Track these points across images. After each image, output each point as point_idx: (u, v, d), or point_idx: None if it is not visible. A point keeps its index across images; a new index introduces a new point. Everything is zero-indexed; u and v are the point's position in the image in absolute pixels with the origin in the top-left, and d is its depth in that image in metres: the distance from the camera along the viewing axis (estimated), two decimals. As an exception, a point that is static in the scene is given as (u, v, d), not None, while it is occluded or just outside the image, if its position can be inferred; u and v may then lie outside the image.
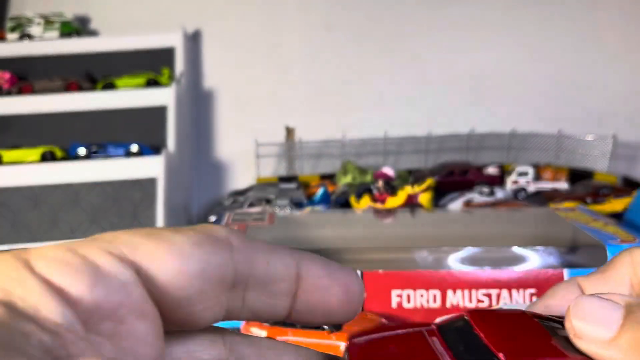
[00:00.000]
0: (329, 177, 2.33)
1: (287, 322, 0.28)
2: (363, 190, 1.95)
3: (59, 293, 0.19)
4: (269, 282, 0.27)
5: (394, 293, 1.32)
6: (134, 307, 0.21)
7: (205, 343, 0.24)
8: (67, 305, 0.19)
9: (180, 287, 0.24)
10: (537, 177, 2.16)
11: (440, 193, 2.12)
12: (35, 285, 0.18)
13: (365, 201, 1.86)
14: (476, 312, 0.49)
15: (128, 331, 0.20)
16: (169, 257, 0.23)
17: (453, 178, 2.15)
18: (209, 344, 0.24)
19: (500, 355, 0.33)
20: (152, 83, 2.27)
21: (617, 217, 1.67)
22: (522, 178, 2.13)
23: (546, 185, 2.14)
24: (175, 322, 0.24)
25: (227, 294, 0.26)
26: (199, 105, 2.55)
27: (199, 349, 0.24)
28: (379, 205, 1.83)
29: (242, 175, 2.47)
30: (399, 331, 0.40)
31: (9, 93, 2.25)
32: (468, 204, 1.95)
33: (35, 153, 2.05)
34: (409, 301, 1.23)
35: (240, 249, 0.26)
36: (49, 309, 0.18)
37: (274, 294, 0.27)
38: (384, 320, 1.36)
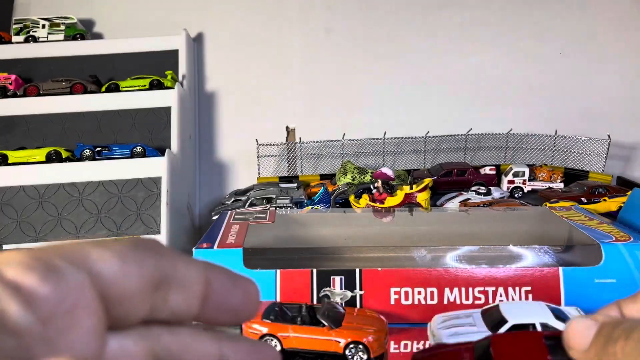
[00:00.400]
0: (329, 177, 2.36)
1: (198, 321, 0.30)
2: (362, 189, 1.98)
3: (22, 296, 0.20)
4: (186, 285, 0.30)
5: (392, 290, 1.35)
6: (86, 305, 0.24)
7: (135, 335, 0.26)
8: (29, 308, 0.20)
9: (122, 285, 0.27)
10: (533, 177, 2.20)
11: (438, 193, 2.15)
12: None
13: (365, 201, 1.89)
14: (498, 335, 0.79)
15: (80, 326, 0.23)
16: (113, 260, 0.27)
17: (450, 178, 2.18)
18: (139, 337, 0.26)
19: None
20: (156, 85, 2.30)
21: (611, 216, 1.71)
22: (518, 178, 2.17)
23: (542, 184, 2.17)
24: (114, 318, 0.27)
25: (154, 293, 0.29)
26: (201, 106, 2.58)
27: (130, 342, 0.26)
28: (377, 205, 1.86)
29: (243, 175, 2.50)
30: (450, 348, 0.72)
31: (14, 95, 2.28)
32: (465, 203, 1.98)
33: (41, 153, 2.08)
34: (407, 298, 1.26)
35: (165, 255, 0.30)
36: (12, 312, 0.20)
37: (189, 295, 0.30)
38: (382, 317, 1.40)
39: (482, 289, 1.23)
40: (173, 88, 2.24)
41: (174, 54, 2.41)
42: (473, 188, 2.12)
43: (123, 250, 0.27)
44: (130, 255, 0.27)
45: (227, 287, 0.29)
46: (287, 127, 2.51)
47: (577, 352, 0.42)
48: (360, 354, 1.44)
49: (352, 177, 2.16)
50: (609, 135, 2.22)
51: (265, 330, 1.02)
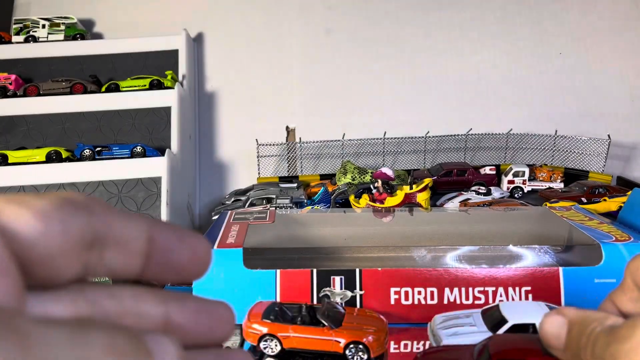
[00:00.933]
0: (329, 177, 2.36)
1: (142, 280, 0.28)
2: (362, 189, 1.98)
3: None
4: (123, 242, 0.28)
5: (392, 290, 1.35)
6: None
7: (66, 299, 0.24)
8: None
9: (43, 245, 0.25)
10: (533, 177, 2.20)
11: (438, 193, 2.15)
12: None
13: (365, 201, 1.89)
14: (496, 336, 0.84)
15: None
16: (31, 219, 0.25)
17: (450, 178, 2.18)
18: (69, 301, 0.24)
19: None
20: (156, 85, 2.30)
21: (611, 216, 1.71)
22: (518, 178, 2.17)
23: (542, 184, 2.17)
24: (38, 278, 0.25)
25: (86, 252, 0.27)
26: (201, 106, 2.58)
27: (59, 306, 0.24)
28: (377, 205, 1.86)
29: (243, 175, 2.50)
30: (452, 350, 0.78)
31: (15, 95, 2.28)
32: (465, 203, 1.98)
33: (41, 154, 2.08)
34: (407, 298, 1.26)
35: (97, 212, 0.28)
36: None
37: (128, 253, 0.28)
38: (382, 317, 1.40)
39: (482, 289, 1.22)
40: (173, 88, 2.24)
41: (174, 54, 2.41)
42: (473, 188, 2.13)
43: (45, 208, 0.25)
44: (54, 213, 0.25)
45: (172, 244, 0.27)
46: (287, 127, 2.51)
47: (556, 351, 0.41)
48: (360, 354, 1.44)
49: (352, 177, 2.16)
50: (609, 135, 2.22)
51: (265, 330, 1.02)
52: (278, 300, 1.16)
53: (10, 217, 0.24)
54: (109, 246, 0.27)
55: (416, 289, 1.27)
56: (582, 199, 1.94)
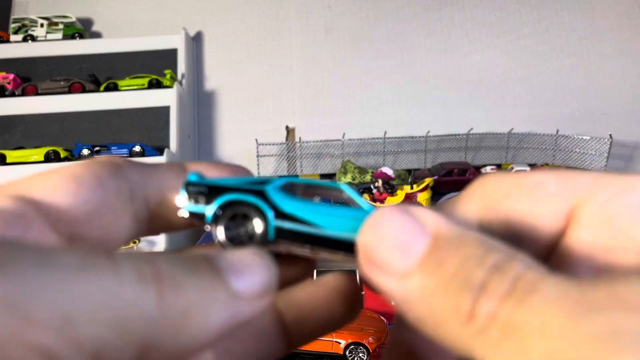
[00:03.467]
0: (329, 177, 2.35)
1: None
2: (363, 189, 1.96)
3: None
4: (163, 192, 0.31)
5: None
6: (35, 237, 0.24)
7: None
8: None
9: (83, 201, 0.27)
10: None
11: (439, 192, 2.14)
12: None
13: (365, 201, 1.87)
14: None
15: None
16: (63, 181, 0.27)
17: (451, 178, 2.17)
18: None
19: None
20: (155, 84, 2.28)
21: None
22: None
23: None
24: (96, 236, 0.28)
25: (130, 204, 0.29)
26: (200, 106, 2.57)
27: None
28: (378, 205, 1.84)
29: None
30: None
31: (13, 94, 2.27)
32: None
33: (39, 153, 2.06)
34: (407, 299, 1.25)
35: (127, 165, 0.30)
36: None
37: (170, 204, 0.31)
38: (382, 317, 1.39)
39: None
40: (172, 87, 2.22)
41: (172, 53, 2.40)
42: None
43: (75, 169, 0.27)
44: (84, 172, 0.27)
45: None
46: (286, 127, 2.50)
47: (383, 272, 0.24)
48: (360, 354, 1.43)
49: (352, 176, 2.15)
50: (610, 135, 2.20)
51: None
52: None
53: (40, 188, 0.26)
54: (150, 196, 0.30)
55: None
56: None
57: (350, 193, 0.41)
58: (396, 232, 0.25)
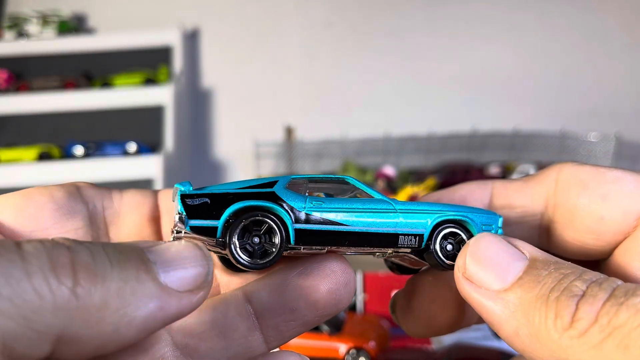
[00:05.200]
0: (329, 177, 2.31)
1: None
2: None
3: None
4: (122, 215, 0.33)
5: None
6: None
7: None
8: None
9: (31, 217, 0.28)
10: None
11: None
12: None
13: (366, 201, 1.84)
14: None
15: None
16: (13, 198, 0.29)
17: (454, 178, 2.14)
18: None
19: None
20: (150, 81, 2.25)
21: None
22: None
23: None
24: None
25: (87, 228, 0.31)
26: (197, 103, 2.54)
27: None
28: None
29: (241, 175, 2.46)
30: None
31: (6, 91, 2.24)
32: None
33: (32, 152, 2.04)
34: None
35: (88, 189, 0.32)
36: None
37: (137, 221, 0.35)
38: (383, 322, 1.34)
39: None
40: (167, 84, 2.20)
41: (168, 49, 2.38)
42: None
43: (31, 190, 0.30)
44: (37, 191, 0.30)
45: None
46: (286, 126, 2.47)
47: (480, 290, 0.28)
48: (361, 359, 1.39)
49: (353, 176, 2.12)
50: (616, 134, 2.18)
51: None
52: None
53: None
54: (109, 219, 0.32)
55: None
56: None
57: (356, 184, 0.38)
58: (496, 253, 0.28)
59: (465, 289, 0.29)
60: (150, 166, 1.97)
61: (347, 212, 0.35)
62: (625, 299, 0.23)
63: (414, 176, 2.21)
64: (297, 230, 0.33)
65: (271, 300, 0.34)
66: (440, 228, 0.37)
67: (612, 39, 2.48)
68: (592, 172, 0.35)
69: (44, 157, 2.03)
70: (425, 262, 0.38)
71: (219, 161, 2.50)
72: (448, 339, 1.17)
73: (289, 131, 2.45)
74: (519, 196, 0.38)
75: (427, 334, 0.39)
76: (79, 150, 2.04)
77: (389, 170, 2.06)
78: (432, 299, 0.40)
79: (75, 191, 0.31)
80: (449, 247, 0.37)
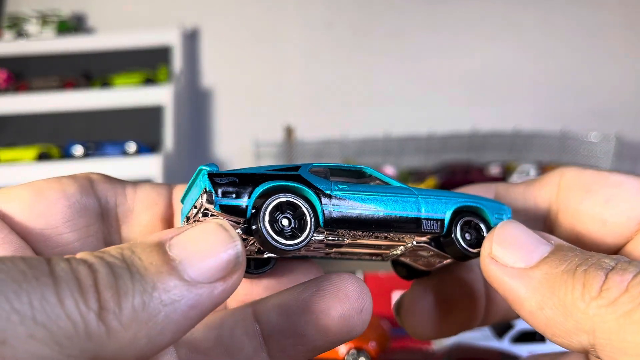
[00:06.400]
0: (329, 177, 2.31)
1: None
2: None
3: None
4: (139, 213, 0.32)
5: (395, 295, 1.29)
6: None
7: None
8: None
9: (41, 214, 0.28)
10: (541, 177, 2.14)
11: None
12: None
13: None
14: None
15: None
16: (24, 193, 0.28)
17: (455, 178, 2.13)
18: None
19: None
20: (150, 81, 2.25)
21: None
22: (524, 177, 2.12)
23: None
24: (56, 253, 0.28)
25: (98, 224, 0.30)
26: (197, 103, 2.53)
27: None
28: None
29: (241, 174, 2.45)
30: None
31: (5, 91, 2.24)
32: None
33: (32, 152, 2.03)
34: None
35: (101, 182, 0.31)
36: None
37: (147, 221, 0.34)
38: (383, 322, 1.33)
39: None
40: (167, 83, 2.20)
41: (168, 49, 2.37)
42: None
43: (40, 183, 0.28)
44: (48, 185, 0.28)
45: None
46: (286, 126, 2.46)
47: (505, 269, 0.29)
48: (361, 359, 1.38)
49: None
50: (617, 134, 2.18)
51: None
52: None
53: (2, 198, 0.27)
54: (123, 218, 0.32)
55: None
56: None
57: (374, 173, 0.38)
58: (522, 236, 0.28)
59: (490, 269, 0.30)
60: (150, 166, 1.97)
61: (373, 196, 0.35)
62: None
63: (414, 176, 2.20)
64: (325, 213, 0.33)
65: (280, 322, 0.33)
66: (459, 217, 0.38)
67: (613, 39, 2.47)
68: (594, 176, 0.35)
69: (43, 157, 2.03)
70: (444, 254, 0.37)
71: (219, 161, 2.50)
72: (448, 340, 1.16)
73: (289, 131, 2.44)
74: (521, 200, 0.38)
75: (433, 336, 0.39)
76: (78, 150, 2.04)
77: (389, 170, 2.06)
78: (442, 301, 0.40)
79: (88, 185, 0.30)
80: (467, 235, 0.37)
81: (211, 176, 0.31)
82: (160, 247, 0.25)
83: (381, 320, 1.34)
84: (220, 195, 0.30)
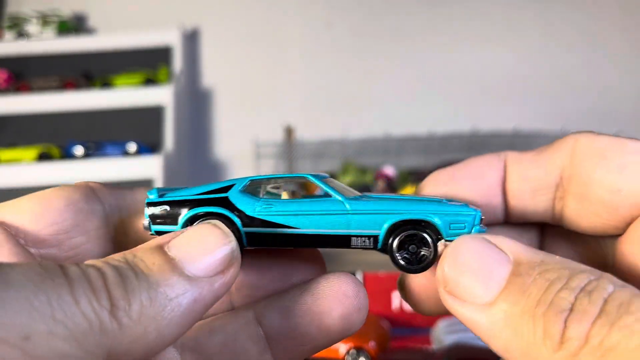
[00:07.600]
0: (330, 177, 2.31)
1: None
2: (363, 190, 1.92)
3: None
4: (139, 215, 0.33)
5: (395, 295, 1.29)
6: (5, 258, 0.26)
7: None
8: None
9: (51, 222, 0.29)
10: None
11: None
12: None
13: (366, 201, 1.84)
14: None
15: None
16: (30, 204, 0.29)
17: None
18: None
19: None
20: (150, 81, 2.25)
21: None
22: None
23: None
24: (68, 257, 0.29)
25: (104, 227, 0.31)
26: (197, 103, 2.53)
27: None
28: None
29: (240, 175, 2.44)
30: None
31: (6, 91, 2.24)
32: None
33: (32, 152, 2.04)
34: (410, 303, 1.20)
35: (102, 189, 0.32)
36: None
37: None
38: (383, 322, 1.33)
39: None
40: (167, 84, 2.20)
41: (168, 49, 2.38)
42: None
43: (45, 193, 0.30)
44: (53, 193, 0.30)
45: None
46: (286, 126, 2.46)
47: (466, 304, 0.26)
48: (361, 359, 1.38)
49: (353, 177, 2.12)
50: (616, 134, 2.17)
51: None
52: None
53: (7, 210, 0.29)
54: (126, 219, 0.33)
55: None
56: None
57: (315, 181, 0.39)
58: (476, 260, 0.25)
59: (450, 305, 0.27)
60: (150, 166, 1.97)
61: (297, 214, 0.35)
62: (617, 316, 0.21)
63: (414, 176, 2.20)
64: (248, 234, 0.34)
65: (283, 324, 0.34)
66: (400, 230, 0.37)
67: (613, 39, 2.47)
68: (611, 142, 0.34)
69: (43, 157, 2.03)
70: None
71: (219, 161, 2.50)
72: (448, 339, 1.16)
73: (288, 131, 2.44)
74: (532, 167, 0.36)
75: (436, 311, 0.38)
76: (79, 150, 2.04)
77: (389, 170, 2.05)
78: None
79: (90, 192, 0.32)
80: (413, 248, 0.36)
81: (148, 205, 0.33)
82: (161, 249, 0.27)
83: (381, 320, 1.34)
84: (154, 222, 0.33)
